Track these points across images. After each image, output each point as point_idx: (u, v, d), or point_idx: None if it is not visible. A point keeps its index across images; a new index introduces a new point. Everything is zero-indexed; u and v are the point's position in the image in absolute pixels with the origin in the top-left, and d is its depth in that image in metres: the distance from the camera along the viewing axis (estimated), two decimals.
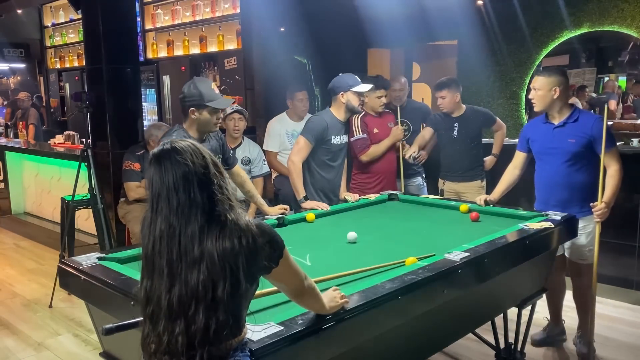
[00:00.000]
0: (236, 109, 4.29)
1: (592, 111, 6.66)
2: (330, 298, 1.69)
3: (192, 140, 1.45)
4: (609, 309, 3.94)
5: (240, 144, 4.37)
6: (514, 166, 3.36)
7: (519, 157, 3.35)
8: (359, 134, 3.99)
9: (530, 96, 3.22)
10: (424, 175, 4.58)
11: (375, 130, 4.10)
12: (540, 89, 3.12)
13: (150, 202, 1.37)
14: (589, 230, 3.13)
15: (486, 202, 3.26)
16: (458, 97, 4.09)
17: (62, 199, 4.74)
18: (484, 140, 4.30)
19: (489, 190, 4.07)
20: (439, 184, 4.36)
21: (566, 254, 3.25)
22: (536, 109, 3.22)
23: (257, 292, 1.57)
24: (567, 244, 3.20)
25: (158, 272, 1.34)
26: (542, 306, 3.26)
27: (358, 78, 3.58)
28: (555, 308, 3.43)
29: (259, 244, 1.38)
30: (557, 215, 2.90)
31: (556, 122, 3.15)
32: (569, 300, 3.40)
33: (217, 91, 2.90)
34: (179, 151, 1.36)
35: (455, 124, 4.10)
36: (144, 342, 1.40)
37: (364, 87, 3.57)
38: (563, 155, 3.11)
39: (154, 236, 1.35)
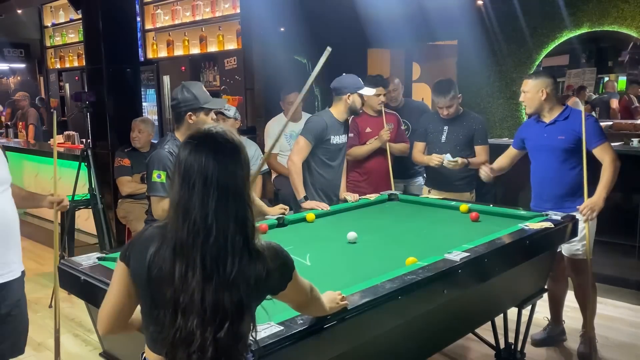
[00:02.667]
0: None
1: (593, 112, 6.66)
2: (330, 299, 1.69)
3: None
4: (609, 309, 3.93)
5: None
6: (505, 155, 3.49)
7: (511, 151, 3.47)
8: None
9: (520, 99, 3.33)
10: (425, 175, 4.56)
11: (368, 130, 4.10)
12: (529, 92, 3.22)
13: (188, 189, 1.29)
14: (582, 226, 3.13)
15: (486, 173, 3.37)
16: (460, 98, 3.89)
17: None
18: (491, 141, 4.04)
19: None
20: (423, 192, 4.07)
21: (563, 251, 3.25)
22: (527, 111, 3.33)
23: None
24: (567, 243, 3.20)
25: (192, 266, 1.27)
26: (542, 306, 3.26)
27: (360, 80, 3.60)
28: (556, 308, 3.43)
29: (271, 269, 1.35)
30: (557, 215, 2.91)
31: (547, 120, 3.24)
32: (570, 300, 3.40)
33: (207, 92, 2.91)
34: (230, 149, 1.30)
35: (445, 127, 3.85)
36: (174, 334, 1.28)
37: (371, 91, 3.64)
38: (554, 152, 3.19)
39: (188, 225, 1.28)
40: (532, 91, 3.20)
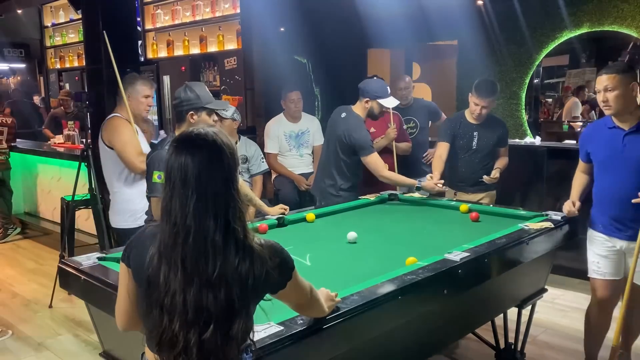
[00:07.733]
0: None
1: (592, 111, 6.66)
2: (326, 297, 1.69)
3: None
4: None
5: (236, 143, 4.39)
6: (581, 171, 2.97)
7: (583, 165, 2.95)
8: None
9: (600, 99, 2.68)
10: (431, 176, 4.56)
11: (372, 130, 4.14)
12: (616, 89, 2.61)
13: (169, 189, 1.30)
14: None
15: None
16: (494, 103, 3.86)
17: (62, 199, 4.74)
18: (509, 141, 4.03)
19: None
20: (446, 194, 3.96)
21: (637, 281, 2.70)
22: (610, 112, 2.68)
23: None
24: (638, 268, 2.65)
25: (173, 268, 1.28)
26: (542, 306, 3.25)
27: (388, 88, 3.68)
28: (627, 337, 2.97)
29: (270, 267, 1.34)
30: (558, 215, 2.90)
31: (627, 127, 2.68)
32: (572, 300, 3.39)
33: (210, 93, 2.91)
34: (221, 154, 1.31)
35: (475, 133, 3.80)
36: (161, 334, 1.29)
37: (391, 103, 3.67)
38: (636, 167, 2.65)
39: (170, 226, 1.29)
40: (622, 87, 2.60)
